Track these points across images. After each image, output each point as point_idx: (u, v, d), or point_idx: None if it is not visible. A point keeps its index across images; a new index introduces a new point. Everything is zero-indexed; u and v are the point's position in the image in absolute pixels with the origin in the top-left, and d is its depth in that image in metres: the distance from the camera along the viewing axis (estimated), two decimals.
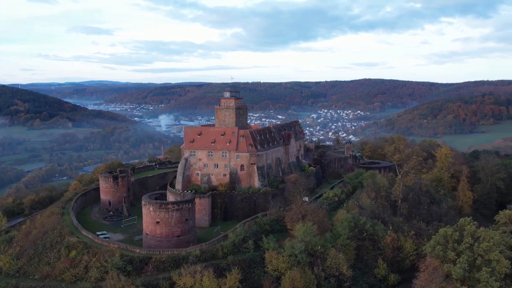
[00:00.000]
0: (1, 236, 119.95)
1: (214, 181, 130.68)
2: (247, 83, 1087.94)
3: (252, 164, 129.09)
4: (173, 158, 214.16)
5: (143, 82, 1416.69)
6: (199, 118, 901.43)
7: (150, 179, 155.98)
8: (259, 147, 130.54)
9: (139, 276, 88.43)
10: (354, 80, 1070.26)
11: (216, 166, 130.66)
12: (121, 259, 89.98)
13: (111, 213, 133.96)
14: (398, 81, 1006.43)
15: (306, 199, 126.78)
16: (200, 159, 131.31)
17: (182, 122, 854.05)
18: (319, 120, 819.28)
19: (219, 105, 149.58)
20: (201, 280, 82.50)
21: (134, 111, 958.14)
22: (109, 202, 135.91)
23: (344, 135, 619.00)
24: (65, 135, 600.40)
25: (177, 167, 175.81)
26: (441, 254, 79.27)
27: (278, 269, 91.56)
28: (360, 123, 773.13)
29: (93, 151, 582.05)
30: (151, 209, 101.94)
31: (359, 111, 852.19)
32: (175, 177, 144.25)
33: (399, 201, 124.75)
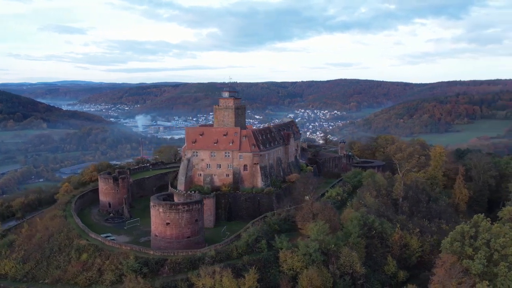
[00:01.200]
0: (2, 240, 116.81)
1: (217, 182, 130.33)
2: (223, 83, 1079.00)
3: (255, 164, 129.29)
4: (163, 158, 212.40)
5: (117, 82, 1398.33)
6: (176, 119, 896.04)
7: (147, 180, 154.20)
8: (261, 147, 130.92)
9: (155, 278, 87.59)
10: (330, 80, 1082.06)
11: (219, 166, 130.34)
12: (136, 261, 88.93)
13: (111, 215, 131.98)
14: (373, 81, 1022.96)
15: (308, 198, 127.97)
16: (202, 160, 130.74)
17: (159, 122, 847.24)
18: (296, 120, 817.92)
19: (218, 105, 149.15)
20: (221, 280, 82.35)
21: (110, 111, 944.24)
22: (109, 204, 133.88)
23: (322, 134, 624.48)
24: (40, 136, 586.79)
25: (171, 167, 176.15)
26: (458, 250, 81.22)
27: (293, 268, 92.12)
28: (337, 122, 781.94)
29: (70, 153, 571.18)
30: (160, 210, 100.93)
31: (335, 111, 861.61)
32: (174, 177, 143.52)
33: (400, 199, 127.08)
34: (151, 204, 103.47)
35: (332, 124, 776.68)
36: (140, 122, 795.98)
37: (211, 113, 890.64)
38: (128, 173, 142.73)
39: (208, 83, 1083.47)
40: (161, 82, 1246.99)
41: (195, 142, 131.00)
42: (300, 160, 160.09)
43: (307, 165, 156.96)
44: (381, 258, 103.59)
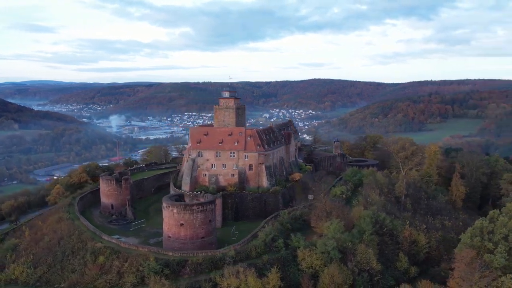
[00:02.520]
0: (4, 245, 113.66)
1: (222, 182, 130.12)
2: (197, 83, 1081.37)
3: (260, 163, 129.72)
4: (153, 159, 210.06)
5: (88, 82, 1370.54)
6: (150, 119, 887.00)
7: (146, 181, 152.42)
8: (266, 146, 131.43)
9: (176, 279, 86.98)
10: (304, 80, 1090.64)
11: (224, 166, 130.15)
12: (157, 263, 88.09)
13: (114, 216, 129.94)
14: (346, 81, 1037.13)
15: (312, 197, 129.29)
16: (207, 160, 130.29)
17: (133, 122, 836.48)
18: (272, 120, 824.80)
19: (218, 105, 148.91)
20: (246, 280, 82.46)
21: (82, 111, 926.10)
22: (112, 206, 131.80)
23: (299, 134, 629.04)
24: (11, 137, 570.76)
25: (165, 168, 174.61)
26: (478, 244, 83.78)
27: (312, 266, 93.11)
28: (313, 122, 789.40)
29: (43, 154, 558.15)
30: (175, 211, 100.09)
31: (310, 111, 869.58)
32: (175, 178, 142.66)
33: (403, 196, 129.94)
34: (164, 205, 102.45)
35: (307, 123, 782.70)
36: (114, 123, 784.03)
37: (186, 113, 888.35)
38: (129, 174, 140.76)
39: (182, 82, 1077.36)
40: (133, 82, 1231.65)
41: (199, 142, 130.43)
42: (299, 160, 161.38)
43: (306, 165, 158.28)
44: (392, 255, 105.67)
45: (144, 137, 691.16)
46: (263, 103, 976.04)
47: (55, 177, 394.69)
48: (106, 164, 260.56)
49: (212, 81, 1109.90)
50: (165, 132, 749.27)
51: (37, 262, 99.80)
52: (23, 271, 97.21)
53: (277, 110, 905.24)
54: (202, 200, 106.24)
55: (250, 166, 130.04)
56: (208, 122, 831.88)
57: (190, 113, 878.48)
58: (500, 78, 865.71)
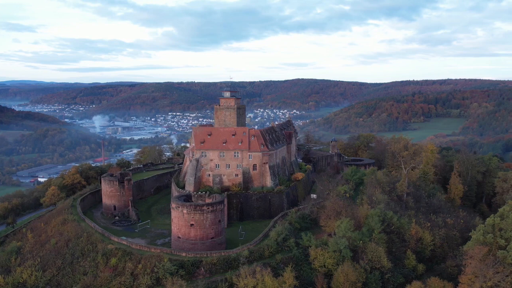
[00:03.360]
0: (7, 247, 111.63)
1: (226, 182, 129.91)
2: (181, 83, 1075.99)
3: (264, 163, 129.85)
4: (147, 159, 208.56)
5: (69, 82, 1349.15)
6: (134, 119, 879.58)
7: (145, 181, 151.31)
8: (269, 146, 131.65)
9: (191, 280, 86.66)
10: (288, 80, 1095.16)
11: (228, 166, 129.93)
12: (171, 264, 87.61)
13: (117, 218, 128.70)
14: (330, 81, 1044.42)
15: (315, 196, 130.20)
16: (211, 160, 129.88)
17: (116, 123, 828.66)
18: (256, 120, 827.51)
19: (219, 105, 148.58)
20: (263, 280, 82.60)
21: (64, 112, 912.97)
22: (114, 207, 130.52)
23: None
24: None
25: (163, 169, 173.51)
26: (491, 241, 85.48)
27: (325, 265, 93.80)
28: (297, 122, 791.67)
29: (26, 155, 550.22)
30: (184, 211, 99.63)
31: (295, 110, 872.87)
32: (177, 178, 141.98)
33: (405, 195, 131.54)
34: (173, 205, 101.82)
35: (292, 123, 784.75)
36: (98, 123, 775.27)
37: (170, 113, 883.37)
38: (131, 175, 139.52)
39: (165, 82, 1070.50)
40: (116, 82, 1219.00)
41: (203, 142, 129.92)
42: (298, 159, 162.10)
43: (306, 164, 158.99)
44: (400, 253, 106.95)
45: (128, 138, 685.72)
46: (247, 103, 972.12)
47: (40, 179, 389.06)
48: (95, 165, 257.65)
49: (196, 81, 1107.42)
50: (149, 132, 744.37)
51: (45, 265, 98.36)
52: (31, 274, 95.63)
53: (262, 110, 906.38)
54: (209, 200, 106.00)
55: (254, 166, 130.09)
56: (193, 123, 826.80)
57: (174, 113, 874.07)
58: (481, 78, 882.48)
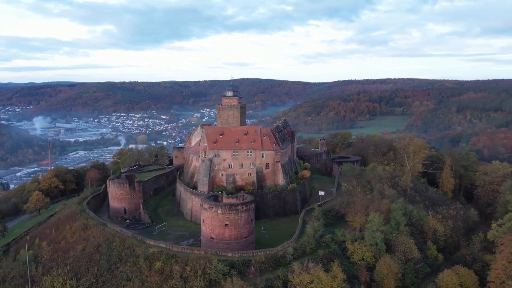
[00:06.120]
0: (21, 257, 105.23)
1: (239, 181, 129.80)
2: (124, 83, 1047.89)
3: (277, 162, 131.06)
4: (130, 161, 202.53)
5: (2, 82, 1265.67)
6: (76, 120, 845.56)
7: (146, 183, 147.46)
8: (280, 145, 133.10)
9: (243, 279, 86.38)
10: (233, 80, 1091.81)
11: (241, 165, 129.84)
12: (223, 265, 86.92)
13: (127, 221, 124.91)
14: (275, 80, 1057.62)
15: (323, 193, 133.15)
16: (224, 160, 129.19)
17: (58, 124, 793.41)
18: (204, 120, 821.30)
19: (221, 105, 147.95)
20: (318, 276, 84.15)
21: None
22: (125, 210, 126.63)
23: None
24: None
25: (155, 170, 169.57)
26: None
27: (364, 258, 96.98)
28: (247, 121, 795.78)
29: None
30: (219, 211, 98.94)
31: None
32: (179, 178, 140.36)
33: (408, 189, 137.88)
34: (206, 206, 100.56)
35: None
36: (38, 125, 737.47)
37: (113, 114, 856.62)
38: (136, 176, 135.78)
39: (107, 82, 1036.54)
40: (54, 82, 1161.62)
41: (216, 142, 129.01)
42: (295, 158, 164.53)
43: (304, 162, 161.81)
44: (420, 244, 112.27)
45: (72, 140, 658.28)
46: (193, 103, 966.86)
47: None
48: (40, 168, 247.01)
49: (139, 81, 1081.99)
50: (94, 134, 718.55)
51: (78, 272, 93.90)
52: (64, 283, 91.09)
53: (208, 110, 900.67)
54: (230, 200, 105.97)
55: (267, 165, 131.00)
56: (139, 123, 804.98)
57: (119, 114, 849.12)
58: (418, 78, 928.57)
